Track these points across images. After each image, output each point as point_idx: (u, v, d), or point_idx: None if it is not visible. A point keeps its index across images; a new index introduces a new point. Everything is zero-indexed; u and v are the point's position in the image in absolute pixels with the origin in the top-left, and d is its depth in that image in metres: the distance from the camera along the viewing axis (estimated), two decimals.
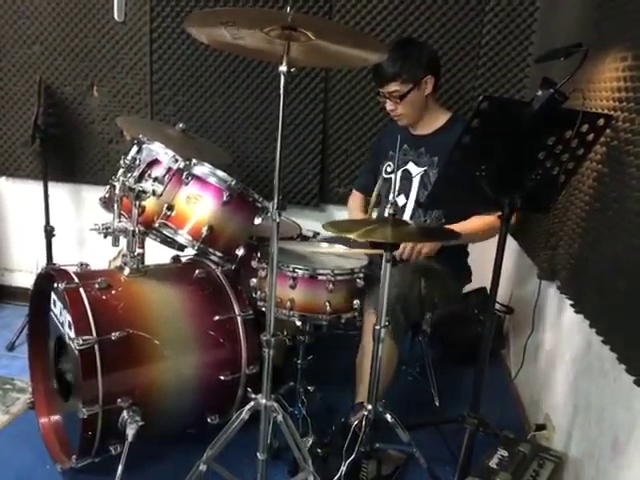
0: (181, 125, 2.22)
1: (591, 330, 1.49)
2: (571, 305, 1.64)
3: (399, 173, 2.15)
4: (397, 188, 2.15)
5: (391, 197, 1.61)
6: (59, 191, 2.94)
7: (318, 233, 2.48)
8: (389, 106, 2.07)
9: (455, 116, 2.15)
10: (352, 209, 2.42)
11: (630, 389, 1.23)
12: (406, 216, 2.14)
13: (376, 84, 2.10)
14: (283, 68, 1.36)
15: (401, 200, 2.14)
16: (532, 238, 2.10)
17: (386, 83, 2.02)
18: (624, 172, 1.40)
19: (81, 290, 1.58)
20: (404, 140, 2.11)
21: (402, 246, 1.91)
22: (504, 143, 1.44)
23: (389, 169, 2.17)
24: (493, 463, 1.51)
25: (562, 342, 1.89)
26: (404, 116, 2.09)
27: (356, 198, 2.41)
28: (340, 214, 2.76)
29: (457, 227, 1.95)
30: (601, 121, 1.47)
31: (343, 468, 1.58)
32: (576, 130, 1.43)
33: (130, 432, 1.52)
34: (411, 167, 2.14)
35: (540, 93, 1.38)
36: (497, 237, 1.57)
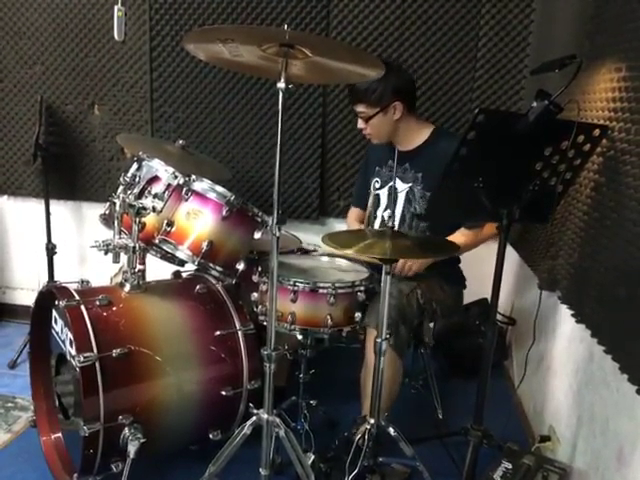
0: (181, 142, 2.24)
1: (593, 340, 1.49)
2: (572, 315, 1.64)
3: (385, 189, 2.16)
4: (384, 204, 2.16)
5: (379, 212, 1.61)
6: (60, 209, 2.96)
7: (319, 247, 2.49)
8: (359, 124, 2.09)
9: (438, 130, 2.12)
10: (350, 225, 2.41)
11: (633, 399, 1.23)
12: None
13: (349, 101, 2.13)
14: (281, 85, 1.38)
15: (388, 215, 2.14)
16: (532, 248, 2.10)
17: (354, 103, 2.05)
18: (621, 181, 1.41)
19: (82, 307, 1.58)
20: (390, 156, 2.12)
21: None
22: (501, 154, 1.46)
23: (377, 185, 2.18)
24: (497, 476, 1.51)
25: (564, 352, 1.89)
26: (372, 136, 2.10)
27: (354, 214, 2.42)
28: (340, 227, 2.76)
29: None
30: (597, 131, 1.48)
31: None
32: (572, 141, 1.45)
33: (132, 449, 1.51)
34: (397, 183, 2.14)
35: (535, 105, 1.39)
36: (497, 248, 1.57)
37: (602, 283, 1.47)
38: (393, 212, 2.13)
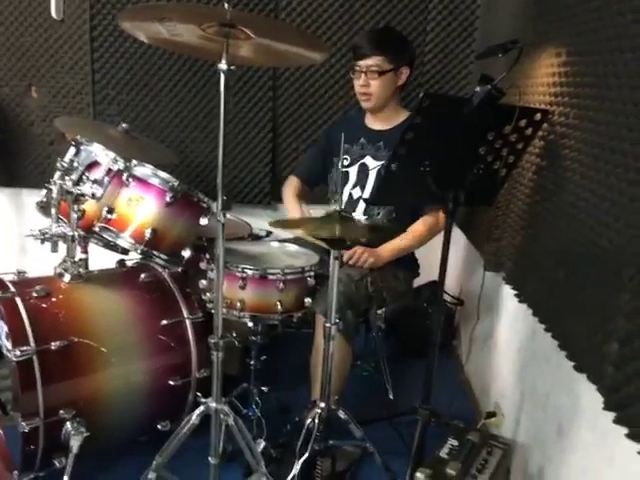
0: (124, 125, 2.14)
1: (534, 319, 1.53)
2: (515, 295, 1.69)
3: (355, 167, 2.16)
4: (353, 182, 2.16)
5: (341, 191, 1.61)
6: None
7: (270, 232, 2.47)
8: (361, 81, 2.05)
9: (412, 115, 2.15)
10: (287, 194, 2.30)
11: (571, 375, 1.28)
12: (360, 208, 2.14)
13: (355, 56, 2.07)
14: (222, 66, 1.34)
15: (356, 192, 2.15)
16: (478, 231, 2.15)
17: (368, 55, 2.01)
18: (560, 165, 1.45)
19: (17, 299, 1.52)
20: (361, 134, 2.13)
21: (352, 251, 1.93)
22: (446, 139, 1.47)
23: (346, 162, 2.16)
24: (444, 453, 1.54)
25: (508, 331, 1.95)
26: (372, 96, 2.07)
27: (293, 183, 2.33)
28: None
29: (404, 242, 2.02)
30: (538, 116, 1.51)
31: (297, 467, 1.57)
32: (514, 125, 1.47)
33: (75, 444, 1.47)
34: (368, 161, 2.14)
35: (478, 89, 1.41)
36: (442, 231, 1.59)
37: (543, 264, 1.52)
38: (347, 192, 2.13)
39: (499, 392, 1.98)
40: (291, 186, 2.33)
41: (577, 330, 1.28)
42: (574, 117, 1.40)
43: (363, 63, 2.03)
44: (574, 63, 1.43)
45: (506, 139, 1.51)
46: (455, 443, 1.58)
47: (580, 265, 1.30)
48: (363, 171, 2.15)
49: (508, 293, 1.79)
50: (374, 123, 2.16)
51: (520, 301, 1.65)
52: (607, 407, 1.10)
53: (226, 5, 1.25)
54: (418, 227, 2.05)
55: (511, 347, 1.89)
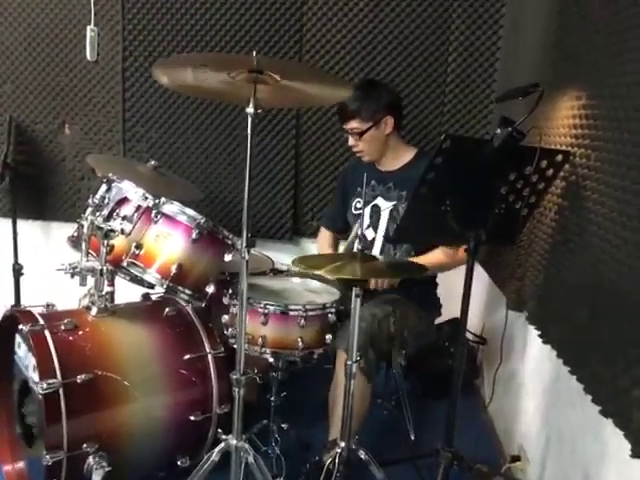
0: (153, 162, 2.22)
1: (559, 360, 1.51)
2: (539, 336, 1.67)
3: (368, 208, 2.19)
4: (366, 223, 2.19)
5: (359, 231, 1.63)
6: (29, 228, 2.90)
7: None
8: (351, 141, 2.14)
9: (421, 152, 2.20)
10: (321, 246, 2.44)
11: (597, 420, 1.25)
12: (376, 249, 2.17)
13: (339, 120, 2.17)
14: (250, 110, 1.39)
15: (370, 234, 2.18)
16: (501, 269, 2.14)
17: (347, 120, 2.09)
18: (582, 205, 1.45)
19: (46, 332, 1.54)
20: (371, 176, 2.16)
21: None
22: (467, 179, 1.49)
23: (359, 205, 2.20)
24: None
25: (533, 372, 1.91)
26: (365, 153, 2.15)
27: (325, 235, 2.44)
28: (314, 247, 2.77)
29: (421, 260, 1.99)
30: (559, 157, 1.53)
31: None
32: (535, 166, 1.48)
33: (96, 478, 1.47)
34: (380, 202, 2.18)
35: (499, 131, 1.43)
36: (464, 269, 1.59)
37: (566, 305, 1.50)
38: (363, 233, 2.15)
39: (523, 435, 1.94)
40: (323, 239, 2.44)
41: (602, 373, 1.26)
42: (595, 159, 1.41)
43: (345, 126, 2.12)
44: (594, 106, 1.45)
45: (527, 180, 1.52)
46: None
47: (604, 307, 1.29)
48: (376, 212, 2.19)
49: (532, 333, 1.77)
50: (382, 165, 2.21)
51: (544, 342, 1.63)
52: (635, 454, 1.08)
53: (254, 53, 1.31)
54: (436, 252, 2.06)
55: (536, 389, 1.85)
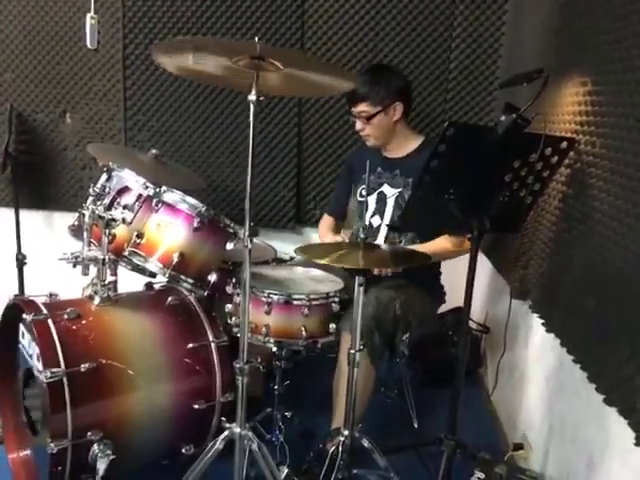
0: (154, 151, 2.21)
1: (562, 349, 1.51)
2: (542, 324, 1.66)
3: (374, 195, 2.17)
4: (372, 210, 2.18)
5: (364, 220, 1.62)
6: (31, 218, 2.89)
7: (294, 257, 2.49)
8: (358, 125, 2.12)
9: (428, 139, 2.19)
10: (323, 233, 2.43)
11: (601, 407, 1.24)
12: (381, 236, 2.16)
13: (347, 102, 2.15)
14: (252, 97, 1.38)
15: (376, 221, 2.17)
16: (504, 258, 2.13)
17: (356, 103, 2.07)
18: (587, 193, 1.44)
19: (49, 321, 1.55)
20: (377, 163, 2.15)
21: None
22: (471, 167, 1.47)
23: (364, 192, 2.19)
24: None
25: (536, 361, 1.91)
26: (371, 137, 2.13)
27: (327, 222, 2.43)
28: (317, 236, 2.76)
29: (426, 248, 1.98)
30: (564, 144, 1.51)
31: None
32: (540, 153, 1.47)
33: (101, 466, 1.48)
34: (386, 189, 2.16)
35: (503, 118, 1.41)
36: (468, 257, 1.58)
37: (570, 292, 1.50)
38: (369, 221, 2.15)
39: (527, 423, 1.94)
40: (325, 225, 2.43)
41: (606, 362, 1.25)
42: (600, 146, 1.40)
43: (353, 110, 2.10)
44: (600, 92, 1.43)
45: (532, 167, 1.51)
46: (482, 476, 1.55)
47: (609, 295, 1.28)
48: (381, 199, 2.17)
49: (535, 321, 1.77)
50: (388, 152, 2.20)
51: (547, 330, 1.63)
52: (638, 443, 1.07)
53: (256, 39, 1.30)
54: (441, 240, 2.04)
55: (539, 377, 1.85)
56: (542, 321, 1.67)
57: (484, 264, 2.38)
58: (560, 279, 1.58)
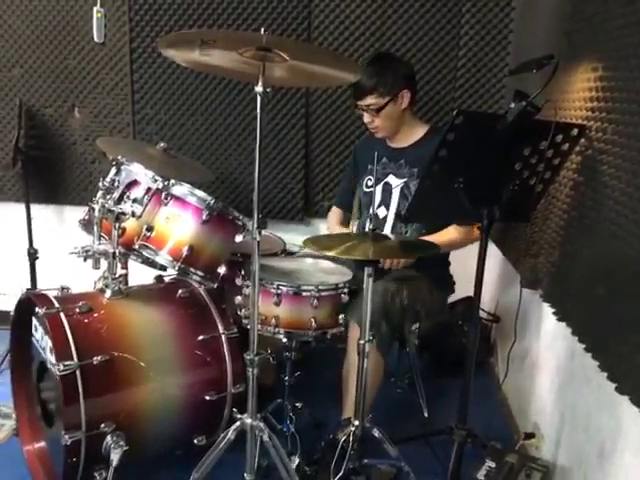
0: (162, 144, 2.22)
1: (574, 338, 1.50)
2: (553, 313, 1.65)
3: (380, 186, 2.17)
4: (378, 201, 2.17)
5: (371, 210, 1.62)
6: (42, 213, 2.92)
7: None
8: (366, 118, 2.10)
9: (434, 128, 2.17)
10: (331, 225, 2.43)
11: (613, 396, 1.24)
12: (387, 227, 2.15)
13: (354, 97, 2.13)
14: (259, 88, 1.38)
15: (382, 212, 2.16)
16: (514, 247, 2.11)
17: (363, 96, 2.05)
18: (598, 180, 1.42)
19: (61, 315, 1.57)
20: (383, 153, 2.13)
21: None
22: (481, 155, 1.46)
23: (370, 183, 2.18)
24: (481, 475, 1.52)
25: (547, 350, 1.90)
26: (381, 129, 2.11)
27: (336, 214, 2.43)
28: (325, 227, 2.76)
29: (434, 238, 1.97)
30: (575, 131, 1.49)
31: None
32: (550, 140, 1.45)
33: (114, 457, 1.50)
34: (391, 179, 2.15)
35: (513, 105, 1.40)
36: (478, 247, 1.57)
37: (582, 281, 1.48)
38: (375, 212, 2.14)
39: (538, 412, 1.93)
40: (334, 217, 2.42)
41: (618, 350, 1.24)
42: (612, 133, 1.38)
43: (361, 103, 2.07)
44: (611, 78, 1.41)
45: (542, 155, 1.49)
46: (493, 465, 1.55)
47: (621, 283, 1.27)
48: (387, 190, 2.16)
49: (546, 310, 1.76)
50: (394, 142, 2.18)
51: (558, 319, 1.61)
52: None
53: (262, 31, 1.29)
54: (450, 230, 2.04)
55: (550, 366, 1.84)
56: (553, 310, 1.66)
57: (494, 253, 2.36)
58: (571, 268, 1.56)
